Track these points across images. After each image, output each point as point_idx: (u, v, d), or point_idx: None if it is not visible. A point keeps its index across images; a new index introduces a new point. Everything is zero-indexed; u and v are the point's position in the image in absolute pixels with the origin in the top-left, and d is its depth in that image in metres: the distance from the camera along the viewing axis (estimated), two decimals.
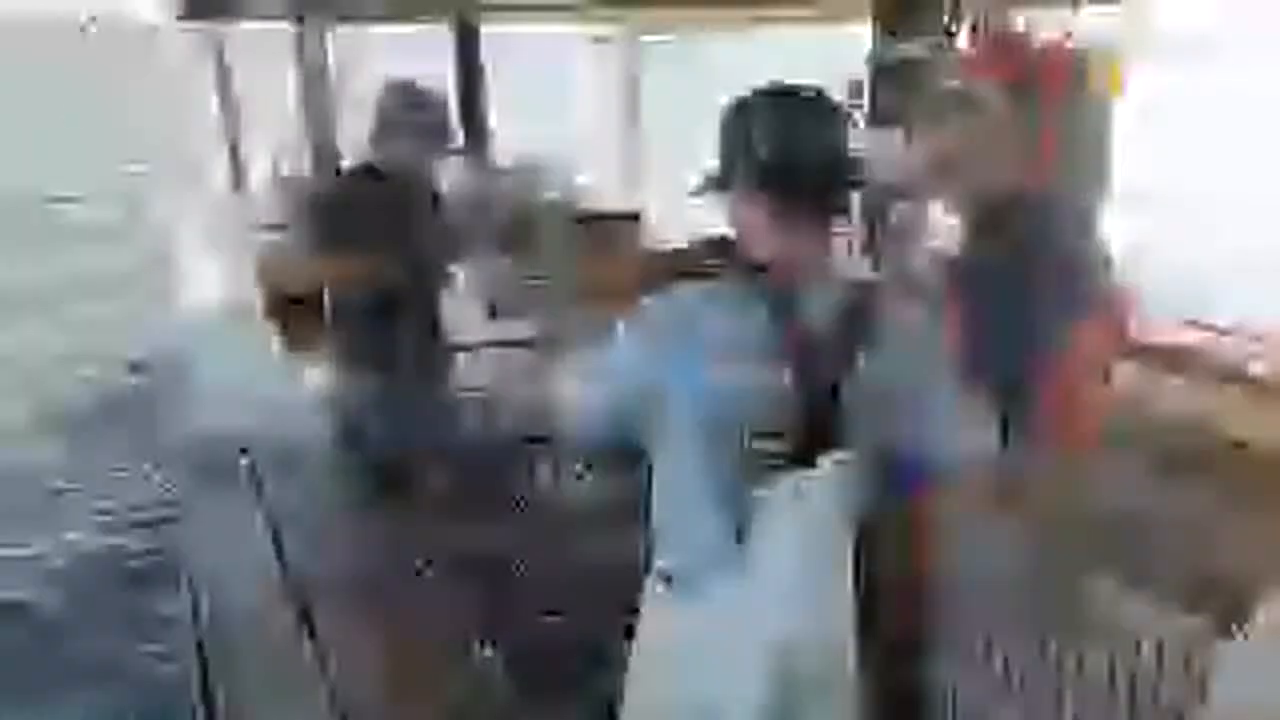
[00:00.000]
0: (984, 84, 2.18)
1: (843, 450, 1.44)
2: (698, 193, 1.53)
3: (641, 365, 1.45)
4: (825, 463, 1.43)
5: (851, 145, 1.47)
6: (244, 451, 3.58)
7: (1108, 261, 2.17)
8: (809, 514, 1.46)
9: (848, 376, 1.42)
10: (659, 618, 1.58)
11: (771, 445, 1.41)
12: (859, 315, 1.45)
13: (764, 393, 1.39)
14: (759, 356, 1.38)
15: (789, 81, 1.48)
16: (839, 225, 1.51)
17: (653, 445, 1.50)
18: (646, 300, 1.47)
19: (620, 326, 1.49)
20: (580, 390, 1.55)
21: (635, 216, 4.83)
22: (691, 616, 1.51)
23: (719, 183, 1.50)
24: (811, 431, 1.42)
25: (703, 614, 1.50)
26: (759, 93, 1.46)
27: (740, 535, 1.45)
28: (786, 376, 1.39)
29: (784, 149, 1.42)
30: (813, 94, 1.45)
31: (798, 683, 1.53)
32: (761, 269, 1.44)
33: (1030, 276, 2.05)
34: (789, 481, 1.42)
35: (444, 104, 3.43)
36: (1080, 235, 2.16)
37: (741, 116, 1.46)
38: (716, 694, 1.51)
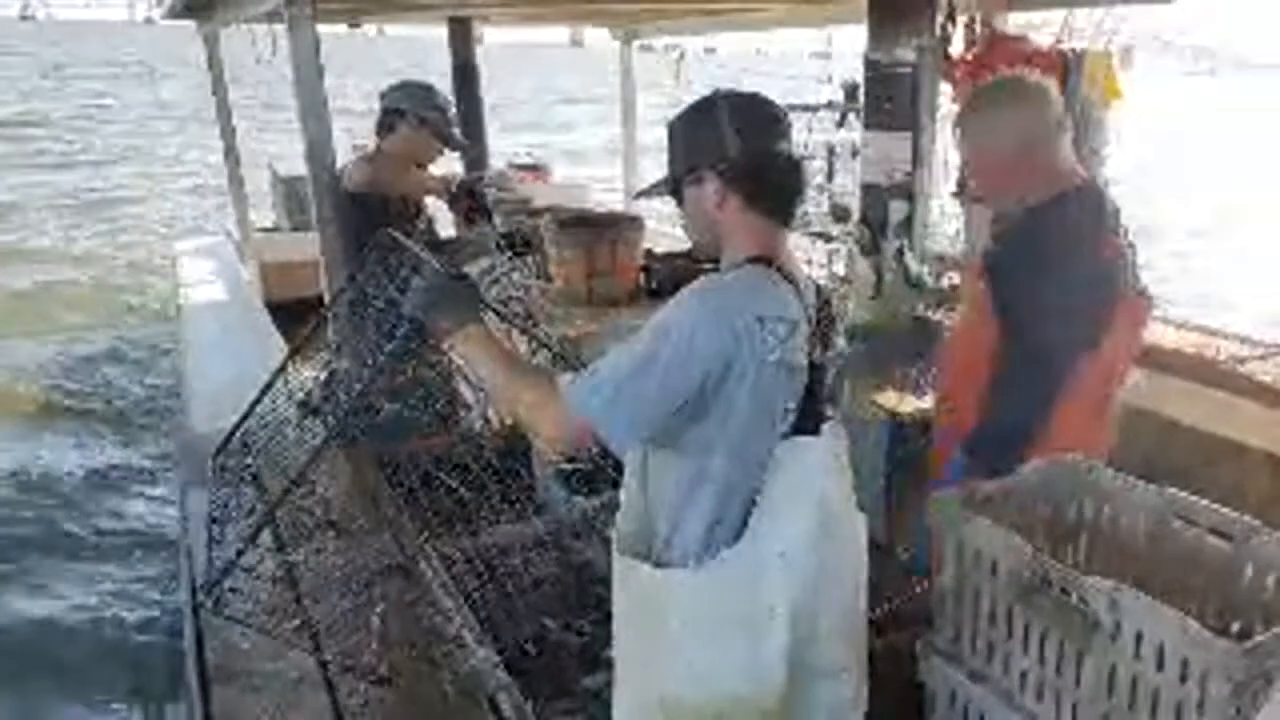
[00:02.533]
0: (1038, 76, 2.18)
1: (834, 420, 1.60)
2: (644, 195, 1.67)
3: (718, 342, 1.44)
4: (825, 428, 1.56)
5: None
6: (245, 448, 3.57)
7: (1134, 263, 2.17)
8: (816, 480, 1.53)
9: (826, 351, 1.60)
10: (663, 597, 1.56)
11: (792, 417, 1.52)
12: (822, 297, 1.63)
13: (796, 369, 1.50)
14: (792, 335, 1.48)
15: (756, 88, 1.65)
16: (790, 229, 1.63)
17: (698, 425, 1.50)
18: (702, 282, 1.51)
19: (684, 306, 1.48)
20: (657, 369, 1.45)
21: (635, 219, 4.84)
22: (710, 593, 1.51)
23: (674, 183, 1.60)
24: (813, 400, 1.55)
25: (721, 589, 1.51)
26: (727, 95, 1.56)
27: (753, 505, 1.50)
28: (804, 353, 1.52)
29: (760, 146, 1.53)
30: (771, 100, 1.59)
31: (812, 654, 1.56)
32: (762, 259, 1.53)
33: (1074, 273, 2.05)
34: (800, 445, 1.52)
35: (447, 101, 3.48)
36: (1118, 233, 2.15)
37: (713, 116, 1.54)
38: (733, 670, 1.52)
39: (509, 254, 4.11)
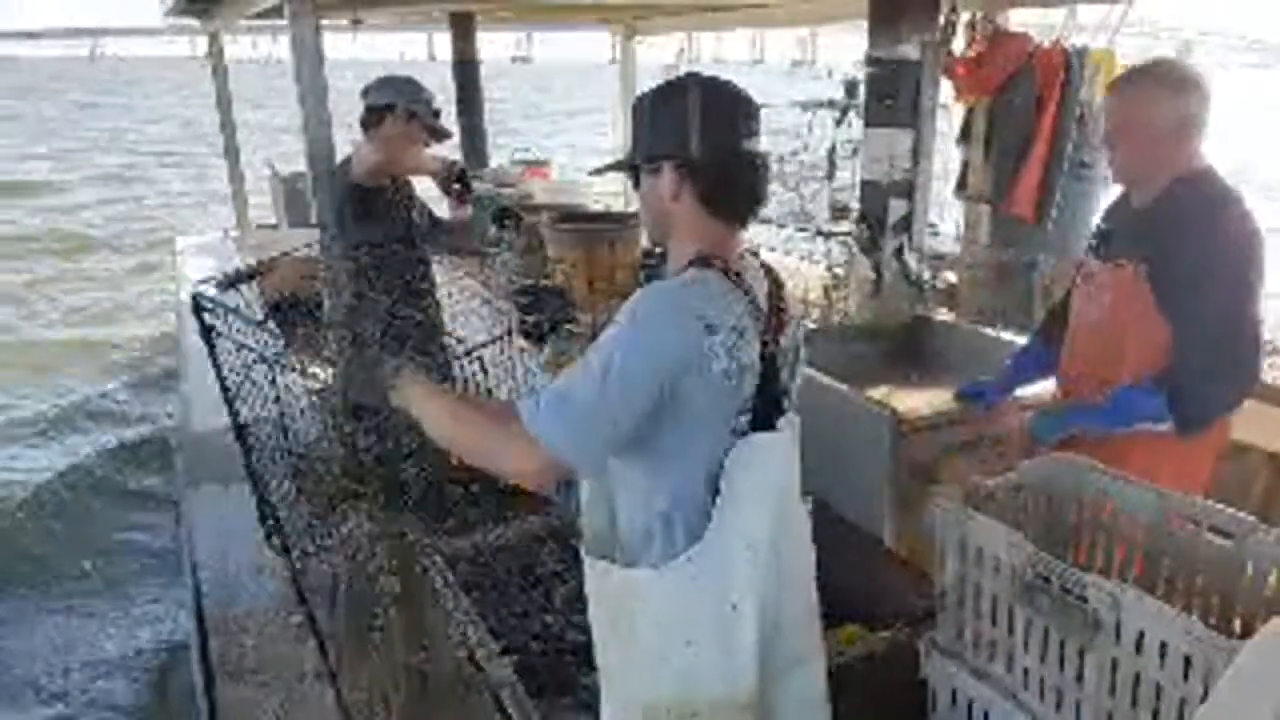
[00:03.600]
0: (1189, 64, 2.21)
1: (788, 412, 1.58)
2: (600, 173, 1.69)
3: (672, 350, 1.41)
4: (781, 423, 1.54)
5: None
6: (246, 446, 3.58)
7: None
8: (776, 474, 1.53)
9: (781, 346, 1.56)
10: (632, 599, 1.54)
11: (747, 416, 1.50)
12: (777, 291, 1.58)
13: (747, 371, 1.48)
14: (739, 339, 1.45)
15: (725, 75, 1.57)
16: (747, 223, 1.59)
17: (653, 429, 1.48)
18: (651, 290, 1.48)
19: (635, 319, 1.45)
20: (614, 386, 1.41)
21: (633, 216, 4.85)
22: (678, 592, 1.50)
23: (633, 167, 1.56)
24: (770, 398, 1.52)
25: (688, 587, 1.49)
26: (701, 82, 1.51)
27: (713, 501, 1.49)
28: (754, 352, 1.49)
29: (724, 145, 1.49)
30: (743, 95, 1.53)
31: (779, 646, 1.56)
32: (706, 260, 1.50)
33: (1246, 249, 2.10)
34: (759, 443, 1.50)
35: (431, 94, 3.50)
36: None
37: (682, 104, 1.49)
38: (707, 667, 1.52)
39: (501, 230, 4.12)
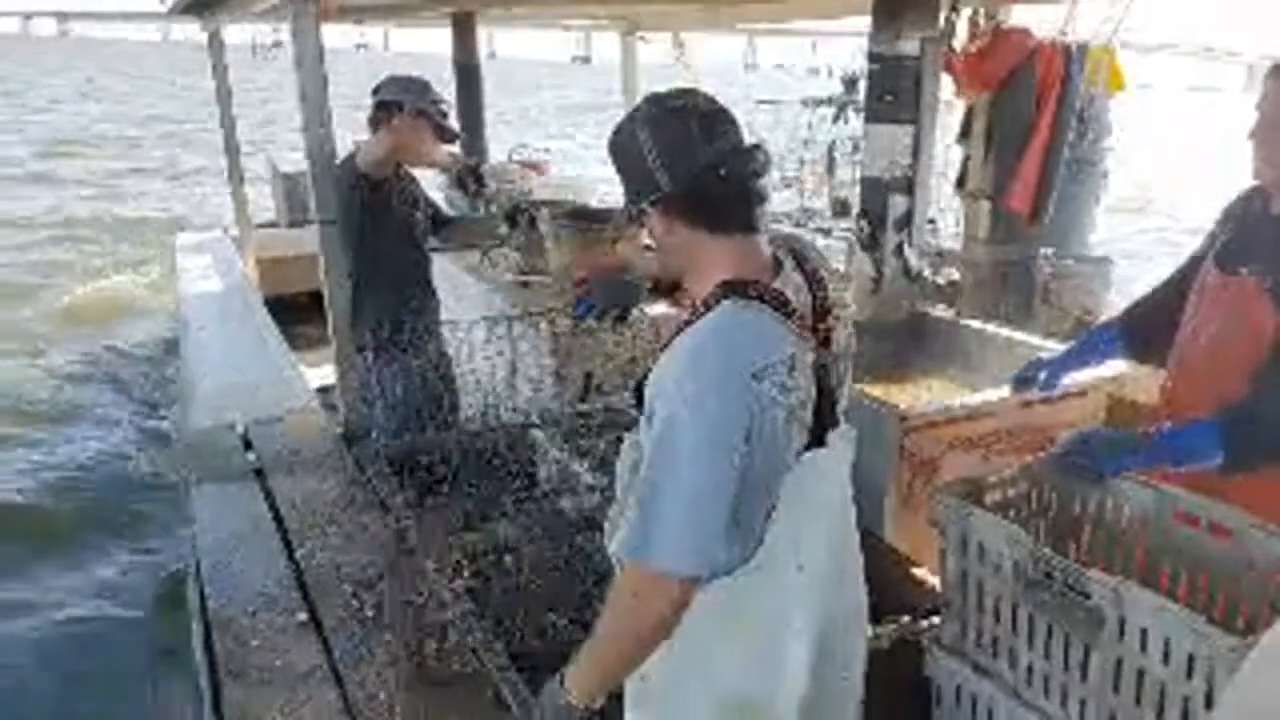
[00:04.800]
0: None
1: (842, 423, 1.53)
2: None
3: (739, 416, 1.31)
4: (833, 438, 1.48)
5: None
6: (248, 445, 3.59)
7: None
8: (830, 491, 1.50)
9: (831, 353, 1.49)
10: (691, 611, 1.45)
11: (805, 437, 1.42)
12: (821, 295, 1.49)
13: (807, 399, 1.40)
14: (790, 370, 1.36)
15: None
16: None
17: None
18: (693, 357, 1.37)
19: (682, 397, 1.34)
20: (705, 474, 1.32)
21: None
22: (729, 612, 1.47)
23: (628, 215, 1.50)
24: (820, 413, 1.44)
25: (739, 608, 1.46)
26: (645, 118, 1.44)
27: (767, 519, 1.43)
28: (808, 376, 1.40)
29: (690, 169, 1.40)
30: (690, 107, 1.44)
31: (830, 666, 1.54)
32: (738, 286, 1.41)
33: None
34: (810, 463, 1.44)
35: (440, 95, 3.51)
36: None
37: (635, 148, 1.43)
38: (755, 684, 1.50)
39: (513, 227, 4.12)
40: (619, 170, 1.49)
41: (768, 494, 1.40)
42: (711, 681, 1.51)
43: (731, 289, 1.40)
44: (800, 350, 1.39)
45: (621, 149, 1.47)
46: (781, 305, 1.40)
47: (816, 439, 1.44)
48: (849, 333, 1.57)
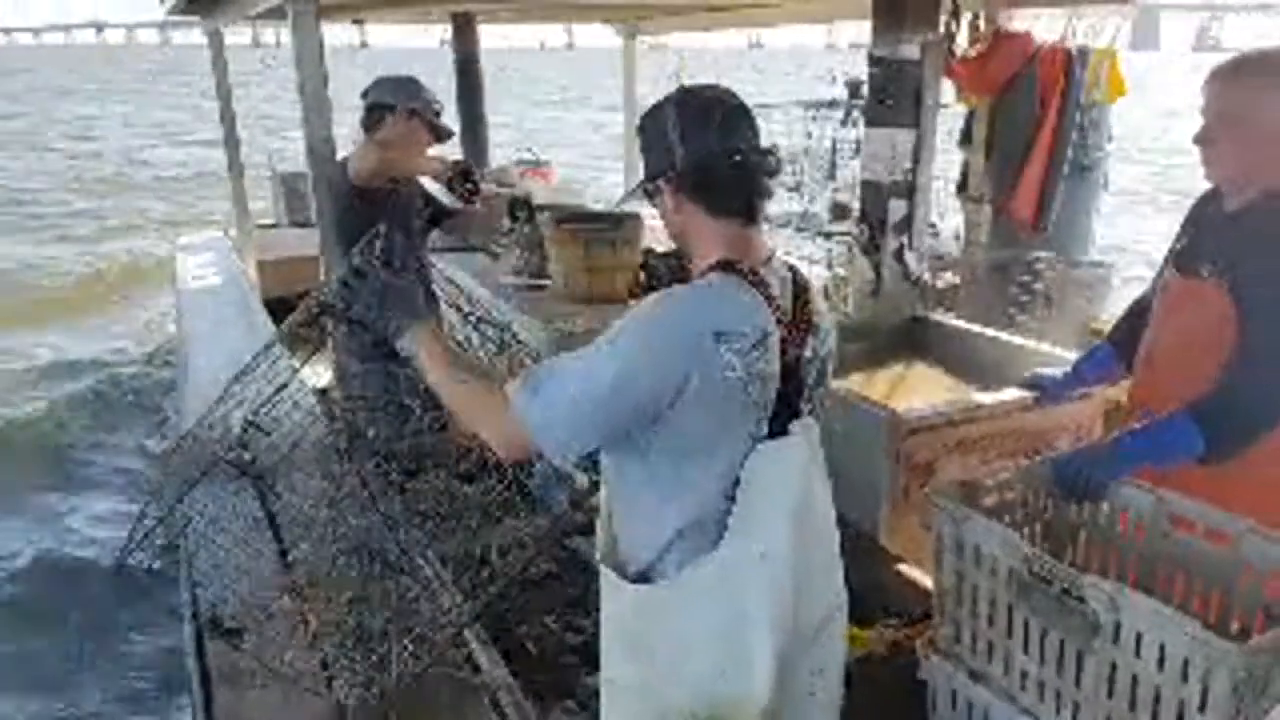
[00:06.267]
0: None
1: (806, 416, 1.55)
2: (622, 202, 1.76)
3: (669, 360, 1.41)
4: (795, 427, 1.52)
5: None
6: (245, 446, 3.57)
7: None
8: (791, 480, 1.51)
9: (804, 353, 1.53)
10: (647, 613, 1.54)
11: (765, 424, 1.49)
12: (803, 297, 1.57)
13: (766, 378, 1.46)
14: (759, 345, 1.44)
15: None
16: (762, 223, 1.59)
17: (665, 438, 1.47)
18: (663, 295, 1.49)
19: (638, 321, 1.46)
20: (604, 383, 1.42)
21: (634, 216, 4.84)
22: (693, 604, 1.49)
23: (645, 192, 1.59)
24: (787, 402, 1.50)
25: (703, 599, 1.49)
26: (676, 98, 1.54)
27: (730, 510, 1.48)
28: (774, 359, 1.47)
29: (705, 149, 1.50)
30: (721, 97, 1.55)
31: (798, 649, 1.55)
32: (727, 264, 1.50)
33: None
34: (772, 450, 1.49)
35: (431, 93, 3.49)
36: None
37: (661, 123, 1.52)
38: (725, 675, 1.50)
39: (514, 221, 4.11)
40: (643, 147, 1.59)
41: (694, 439, 1.46)
42: (680, 681, 1.52)
43: (724, 266, 1.50)
44: (773, 333, 1.46)
45: (649, 124, 1.56)
46: (764, 287, 1.48)
47: (779, 427, 1.50)
48: (827, 337, 1.62)
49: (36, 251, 12.85)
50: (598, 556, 1.62)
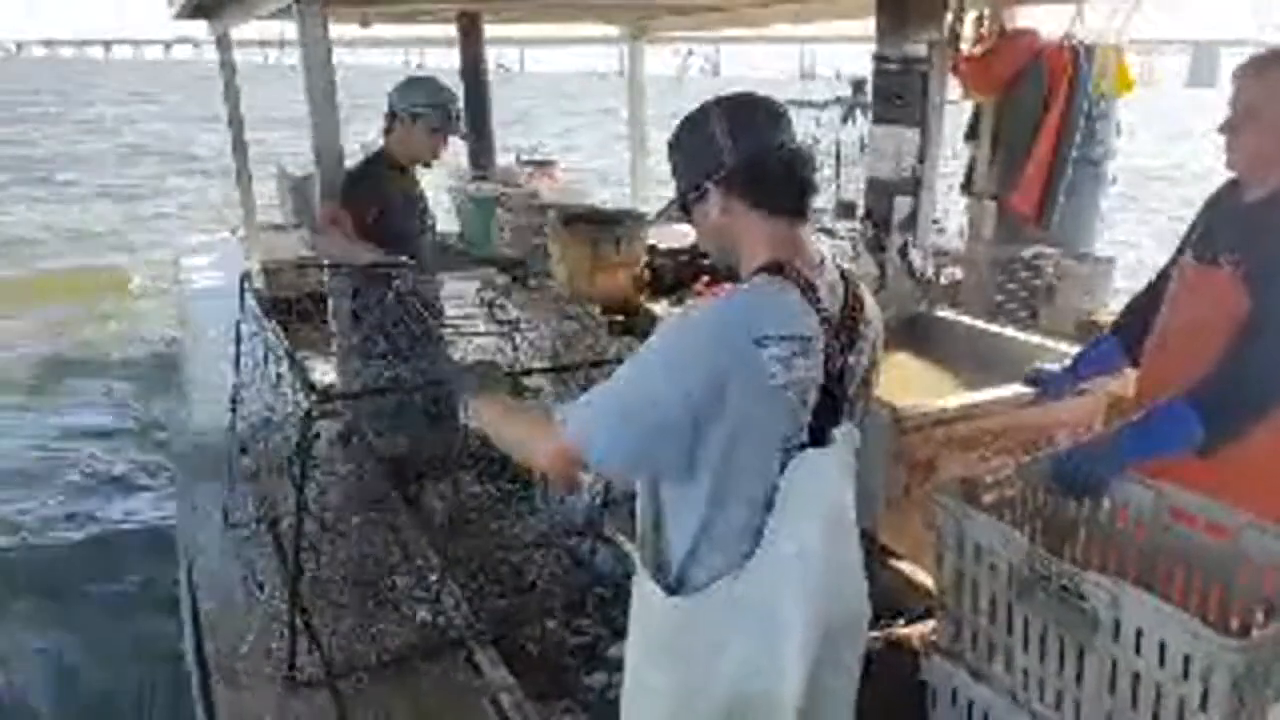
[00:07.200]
0: None
1: (847, 422, 1.54)
2: (659, 219, 1.60)
3: (709, 367, 1.39)
4: (837, 434, 1.50)
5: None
6: (244, 450, 3.58)
7: None
8: (830, 489, 1.50)
9: (849, 361, 1.52)
10: (681, 622, 1.53)
11: (806, 433, 1.47)
12: (854, 303, 1.55)
13: (808, 385, 1.45)
14: (802, 353, 1.42)
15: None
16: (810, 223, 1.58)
17: (703, 443, 1.44)
18: (706, 302, 1.52)
19: (680, 327, 1.48)
20: (646, 387, 1.44)
21: (639, 215, 4.84)
22: (727, 613, 1.49)
23: (683, 202, 1.58)
24: (830, 408, 1.49)
25: (738, 606, 1.48)
26: (719, 101, 1.54)
27: (766, 518, 1.47)
28: (819, 367, 1.45)
29: (757, 145, 1.49)
30: (764, 97, 1.55)
31: (826, 649, 1.53)
32: (776, 266, 1.48)
33: None
34: (813, 458, 1.47)
35: (441, 93, 3.48)
36: None
37: (707, 127, 1.51)
38: (757, 674, 1.50)
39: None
40: (682, 157, 1.57)
41: (733, 444, 1.43)
42: (714, 684, 1.51)
43: (773, 268, 1.48)
44: (818, 338, 1.44)
45: (690, 132, 1.55)
46: (811, 291, 1.46)
47: (820, 434, 1.48)
48: (875, 346, 1.60)
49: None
50: (637, 565, 1.60)
